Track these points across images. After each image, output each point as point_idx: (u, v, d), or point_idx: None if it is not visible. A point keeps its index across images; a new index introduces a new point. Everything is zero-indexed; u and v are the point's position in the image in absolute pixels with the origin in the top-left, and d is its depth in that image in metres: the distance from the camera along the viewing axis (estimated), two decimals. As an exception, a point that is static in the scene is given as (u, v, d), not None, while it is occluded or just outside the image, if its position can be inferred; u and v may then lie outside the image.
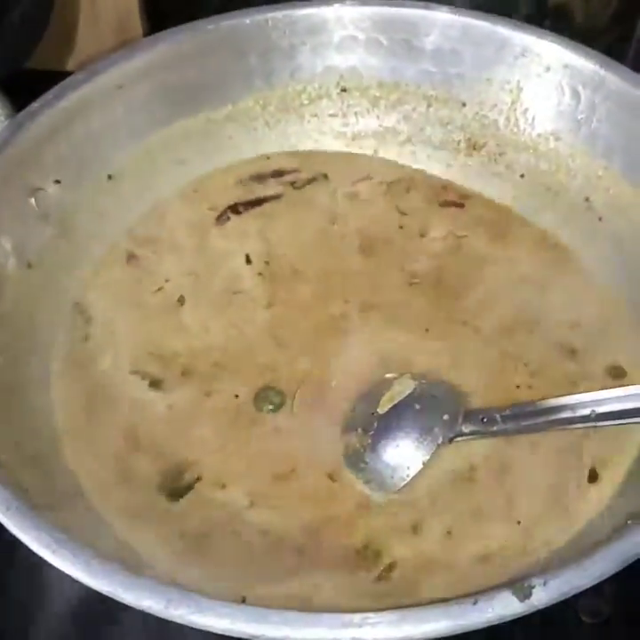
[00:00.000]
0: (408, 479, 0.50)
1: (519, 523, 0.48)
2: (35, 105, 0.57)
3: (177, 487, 0.49)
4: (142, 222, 0.63)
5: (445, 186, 0.65)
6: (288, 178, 0.66)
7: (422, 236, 0.63)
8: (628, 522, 0.40)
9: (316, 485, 0.50)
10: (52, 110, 0.57)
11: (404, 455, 0.50)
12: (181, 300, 0.59)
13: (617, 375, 0.55)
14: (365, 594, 0.45)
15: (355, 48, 0.66)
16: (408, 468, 0.50)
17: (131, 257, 0.61)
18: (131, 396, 0.54)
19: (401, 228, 0.63)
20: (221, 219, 0.64)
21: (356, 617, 0.36)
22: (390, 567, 0.47)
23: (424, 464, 0.50)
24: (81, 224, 0.60)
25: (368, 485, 0.50)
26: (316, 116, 0.68)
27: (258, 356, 0.55)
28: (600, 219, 0.62)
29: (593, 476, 0.50)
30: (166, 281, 0.60)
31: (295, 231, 0.63)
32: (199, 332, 0.57)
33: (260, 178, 0.66)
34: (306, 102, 0.68)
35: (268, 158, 0.67)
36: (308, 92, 0.68)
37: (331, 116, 0.68)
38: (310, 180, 0.66)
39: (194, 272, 0.60)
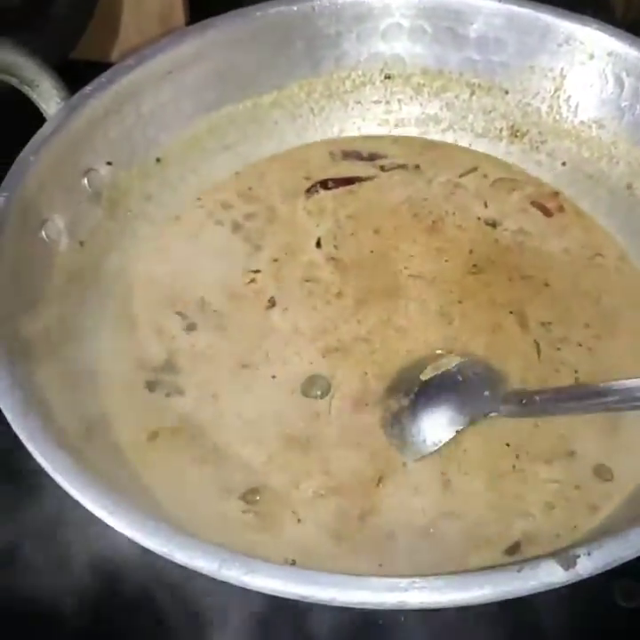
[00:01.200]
0: (439, 445, 0.51)
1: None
2: (88, 88, 0.58)
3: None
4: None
5: (555, 193, 0.65)
6: (381, 162, 0.67)
7: (494, 226, 0.63)
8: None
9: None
10: (104, 94, 0.58)
11: (439, 422, 0.51)
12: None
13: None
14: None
15: (399, 36, 0.67)
16: (441, 434, 0.51)
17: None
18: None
19: (479, 218, 0.64)
20: (311, 191, 0.66)
21: (403, 581, 0.37)
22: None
23: (457, 433, 0.51)
24: (130, 205, 0.61)
25: (398, 447, 0.51)
26: (359, 102, 0.69)
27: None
28: (643, 206, 0.62)
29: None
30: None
31: (372, 211, 0.64)
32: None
33: (354, 157, 0.68)
34: (350, 89, 0.69)
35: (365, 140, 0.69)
36: (353, 79, 0.68)
37: (374, 102, 0.69)
38: (401, 167, 0.67)
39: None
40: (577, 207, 0.64)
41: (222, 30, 0.63)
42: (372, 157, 0.68)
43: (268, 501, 0.49)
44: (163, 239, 0.62)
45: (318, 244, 0.62)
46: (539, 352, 0.56)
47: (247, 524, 0.48)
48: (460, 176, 0.66)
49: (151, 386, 0.54)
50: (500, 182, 0.66)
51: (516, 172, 0.66)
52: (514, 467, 0.50)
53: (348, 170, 0.67)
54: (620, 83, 0.62)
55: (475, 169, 0.67)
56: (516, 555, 0.46)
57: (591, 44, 0.63)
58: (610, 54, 0.62)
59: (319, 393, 0.54)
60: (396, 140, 0.69)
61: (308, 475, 0.50)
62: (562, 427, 0.52)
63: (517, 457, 0.51)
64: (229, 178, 0.66)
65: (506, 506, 0.49)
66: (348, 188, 0.66)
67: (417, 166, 0.67)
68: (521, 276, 0.60)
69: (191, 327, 0.57)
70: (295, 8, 0.65)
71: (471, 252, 0.62)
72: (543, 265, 0.61)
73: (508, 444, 0.51)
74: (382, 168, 0.67)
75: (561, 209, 0.64)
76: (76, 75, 0.60)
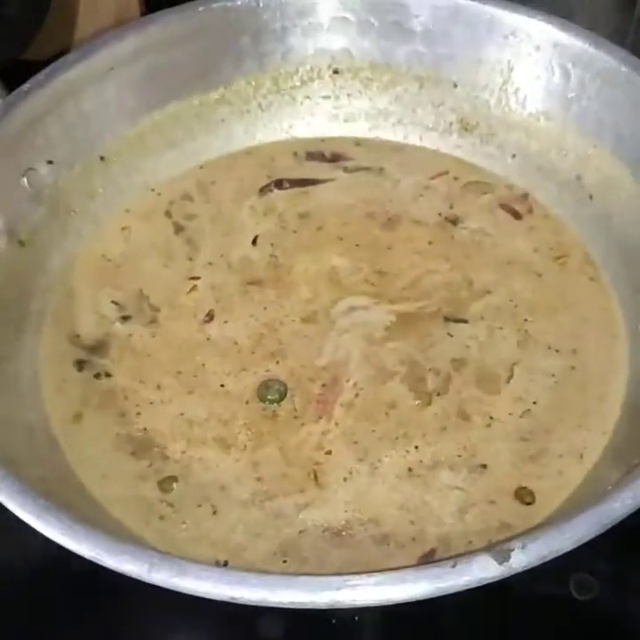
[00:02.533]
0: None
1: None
2: (26, 86, 0.57)
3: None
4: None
5: (525, 195, 0.65)
6: (345, 164, 0.67)
7: (454, 223, 0.63)
8: (609, 487, 0.40)
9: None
10: (43, 91, 0.58)
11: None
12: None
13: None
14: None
15: (346, 30, 0.67)
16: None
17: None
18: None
19: (439, 214, 0.64)
20: (265, 190, 0.65)
21: (335, 580, 0.36)
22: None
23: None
24: (73, 204, 0.61)
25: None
26: (308, 97, 0.69)
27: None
28: (591, 196, 0.62)
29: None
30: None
31: (322, 211, 0.64)
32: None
33: (318, 158, 0.67)
34: (298, 84, 0.68)
35: (323, 141, 0.68)
36: (301, 74, 0.68)
37: (323, 97, 0.69)
38: (366, 169, 0.67)
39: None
40: (546, 209, 0.64)
41: (164, 26, 0.62)
42: (335, 159, 0.67)
43: (184, 493, 0.49)
44: (106, 238, 0.61)
45: (254, 242, 0.62)
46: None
47: (163, 513, 0.48)
48: (431, 178, 0.66)
49: (80, 365, 0.55)
50: (472, 185, 0.66)
51: (488, 175, 0.66)
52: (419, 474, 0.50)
53: (310, 171, 0.67)
54: (566, 74, 0.62)
55: (446, 172, 0.66)
56: (428, 563, 0.46)
57: (537, 36, 0.62)
58: (555, 45, 0.62)
59: (276, 396, 0.53)
60: (361, 141, 0.69)
61: (236, 479, 0.50)
62: (473, 437, 0.52)
63: (421, 462, 0.50)
64: (183, 174, 0.66)
65: (418, 511, 0.49)
66: (304, 188, 0.65)
67: (382, 169, 0.67)
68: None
69: (126, 318, 0.57)
70: (239, 3, 0.64)
71: (430, 243, 0.61)
72: (494, 264, 0.60)
73: (416, 447, 0.51)
74: (345, 169, 0.67)
75: (530, 211, 0.64)
76: (31, 74, 0.59)
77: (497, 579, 0.37)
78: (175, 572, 0.37)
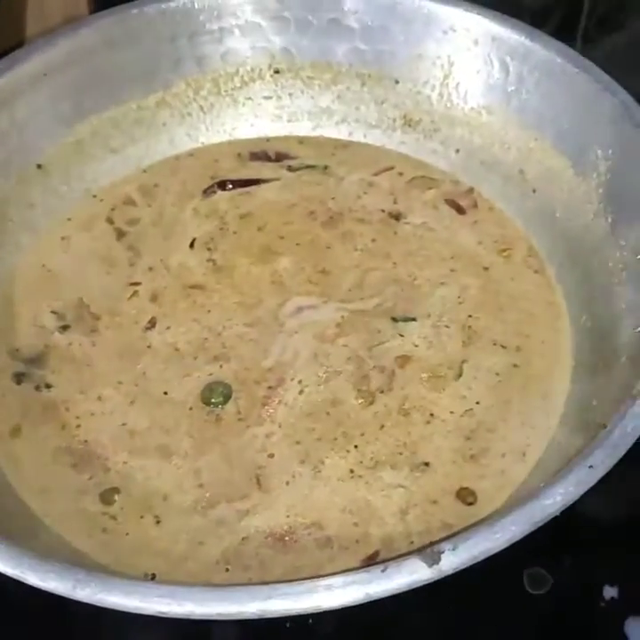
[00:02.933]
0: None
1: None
2: (-45, 95, 0.56)
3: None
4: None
5: (470, 190, 0.64)
6: (289, 163, 0.66)
7: (397, 219, 0.63)
8: (541, 485, 0.40)
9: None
10: (-28, 100, 0.57)
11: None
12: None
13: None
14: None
15: (285, 29, 0.66)
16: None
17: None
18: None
19: (382, 211, 0.63)
20: (208, 192, 0.64)
21: (263, 589, 0.36)
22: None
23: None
24: (10, 214, 0.60)
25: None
26: (250, 98, 0.68)
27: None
28: (534, 190, 0.61)
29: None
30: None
31: (264, 211, 0.63)
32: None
33: (262, 158, 0.67)
34: (239, 85, 0.67)
35: (268, 141, 0.68)
36: (241, 75, 0.67)
37: (265, 98, 0.68)
38: (310, 167, 0.66)
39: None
40: (490, 203, 0.63)
41: (97, 29, 0.61)
42: (279, 158, 0.67)
43: (126, 505, 0.49)
44: (46, 248, 0.61)
45: (191, 246, 0.61)
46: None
47: (106, 526, 0.48)
48: (375, 174, 0.65)
49: (19, 378, 0.54)
50: (417, 180, 0.65)
51: (434, 171, 0.66)
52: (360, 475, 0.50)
53: (255, 171, 0.66)
54: (505, 67, 0.62)
55: (391, 168, 0.66)
56: (371, 565, 0.45)
57: (474, 30, 0.62)
58: (493, 39, 0.62)
59: (220, 399, 0.53)
60: (305, 140, 0.68)
61: (178, 487, 0.49)
62: (414, 435, 0.51)
63: (361, 462, 0.50)
64: (126, 179, 0.65)
65: (361, 513, 0.48)
66: (247, 189, 0.65)
67: (326, 167, 0.66)
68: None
69: (65, 328, 0.57)
70: (174, 4, 0.63)
71: (373, 240, 0.61)
72: (438, 260, 0.60)
73: (356, 446, 0.51)
74: (290, 168, 0.66)
75: (474, 205, 0.63)
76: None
77: (428, 581, 0.37)
78: (100, 588, 0.36)
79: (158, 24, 0.63)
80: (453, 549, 0.37)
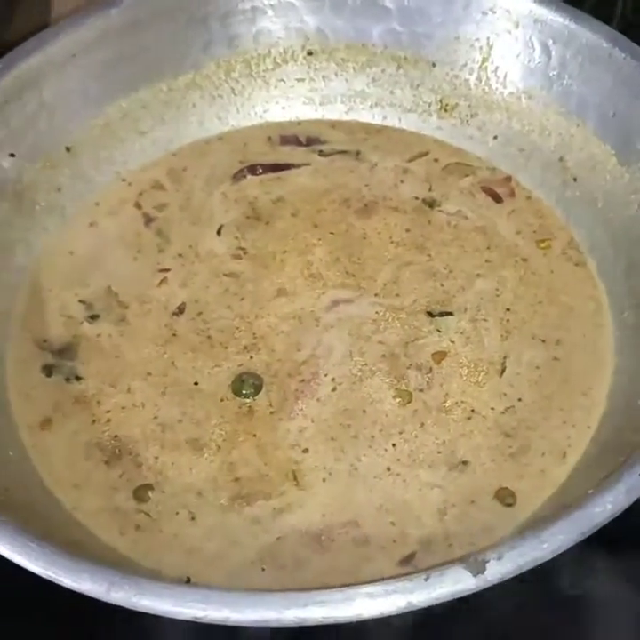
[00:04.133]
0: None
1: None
2: (-18, 77, 0.55)
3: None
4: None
5: (507, 178, 0.62)
6: (321, 147, 0.65)
7: (431, 206, 0.61)
8: (589, 491, 0.38)
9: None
10: (1, 81, 0.55)
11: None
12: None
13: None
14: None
15: (319, 9, 0.64)
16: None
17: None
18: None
19: (416, 198, 0.61)
20: (237, 176, 0.63)
21: (302, 596, 0.35)
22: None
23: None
24: (38, 198, 0.59)
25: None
26: (282, 80, 0.66)
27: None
28: (575, 179, 0.60)
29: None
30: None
31: (297, 197, 0.62)
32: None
33: (293, 142, 0.65)
34: (271, 67, 0.66)
35: (299, 125, 0.66)
36: (273, 57, 0.65)
37: (298, 80, 0.66)
38: (342, 152, 0.65)
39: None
40: (529, 192, 0.61)
41: (127, 9, 0.60)
42: (310, 143, 0.65)
43: (160, 502, 0.48)
44: (73, 233, 0.60)
45: (219, 232, 0.60)
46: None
47: (139, 523, 0.47)
48: (409, 161, 0.64)
49: (48, 370, 0.53)
50: (453, 167, 0.63)
51: (470, 157, 0.64)
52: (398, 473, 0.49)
53: (285, 156, 0.64)
54: (547, 51, 0.60)
55: (425, 154, 0.64)
56: (408, 566, 0.44)
57: (516, 12, 0.60)
58: (536, 21, 0.59)
59: (251, 390, 0.52)
60: (337, 124, 0.66)
61: (212, 482, 0.48)
62: (453, 432, 0.50)
63: (399, 460, 0.49)
64: (155, 162, 0.64)
65: (398, 512, 0.47)
66: (277, 174, 0.63)
67: (358, 152, 0.64)
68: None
69: (94, 317, 0.56)
70: (206, -17, 0.61)
71: (408, 231, 0.59)
72: (473, 251, 0.58)
73: (393, 444, 0.50)
74: (321, 153, 0.64)
75: (512, 194, 0.62)
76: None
77: (472, 591, 0.36)
78: (134, 591, 0.35)
79: (190, 4, 0.62)
80: (499, 559, 0.36)
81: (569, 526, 0.37)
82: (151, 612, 0.35)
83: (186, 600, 0.35)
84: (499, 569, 0.36)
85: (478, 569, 0.35)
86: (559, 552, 0.36)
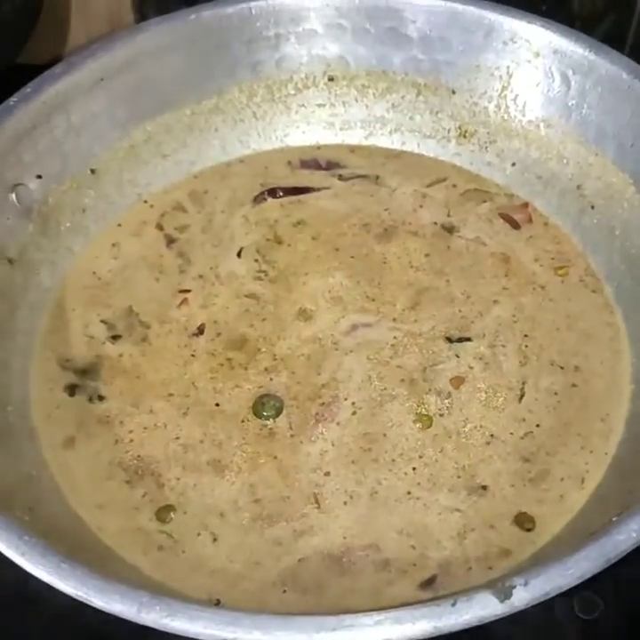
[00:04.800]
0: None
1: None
2: (12, 99, 0.56)
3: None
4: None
5: (525, 205, 0.63)
6: (340, 171, 0.66)
7: (451, 232, 0.62)
8: (614, 518, 0.39)
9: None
10: (30, 104, 0.56)
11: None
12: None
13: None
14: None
15: (341, 36, 0.65)
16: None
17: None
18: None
19: (435, 223, 0.62)
20: (258, 199, 0.64)
21: (331, 620, 0.35)
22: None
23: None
24: (63, 219, 0.59)
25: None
26: (303, 106, 0.67)
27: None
28: (592, 206, 0.60)
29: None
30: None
31: (317, 220, 0.63)
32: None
33: (313, 166, 0.66)
34: (293, 92, 0.67)
35: (318, 149, 0.67)
36: (295, 82, 0.66)
37: (318, 105, 0.67)
38: (361, 177, 0.66)
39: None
40: (546, 219, 0.62)
41: (154, 35, 0.61)
42: (330, 167, 0.66)
43: (182, 522, 0.48)
44: (96, 253, 0.60)
45: (239, 255, 0.60)
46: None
47: (162, 543, 0.47)
48: (427, 186, 0.65)
49: (71, 390, 0.54)
50: (471, 193, 0.64)
51: (488, 184, 0.65)
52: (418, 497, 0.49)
53: (305, 179, 0.65)
54: (566, 81, 0.61)
55: (443, 179, 0.65)
56: (429, 590, 0.45)
57: (536, 42, 0.61)
58: (555, 52, 0.60)
59: (272, 412, 0.52)
60: (357, 149, 0.67)
61: (233, 503, 0.49)
62: (473, 457, 0.51)
63: (419, 484, 0.49)
64: (176, 185, 0.65)
65: (418, 535, 0.47)
66: (298, 197, 0.64)
67: (377, 177, 0.65)
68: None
69: (116, 338, 0.56)
70: (231, 10, 0.62)
71: (427, 256, 0.60)
72: (491, 276, 0.59)
73: (414, 468, 0.50)
74: (340, 178, 0.65)
75: (529, 220, 0.62)
76: (24, 79, 0.58)
77: (499, 617, 0.36)
78: (165, 612, 0.36)
79: (215, 30, 0.63)
80: (525, 585, 0.36)
81: (594, 553, 0.37)
82: (181, 633, 0.36)
83: (216, 622, 0.35)
84: (525, 595, 0.36)
85: (505, 594, 0.36)
86: (585, 578, 0.37)
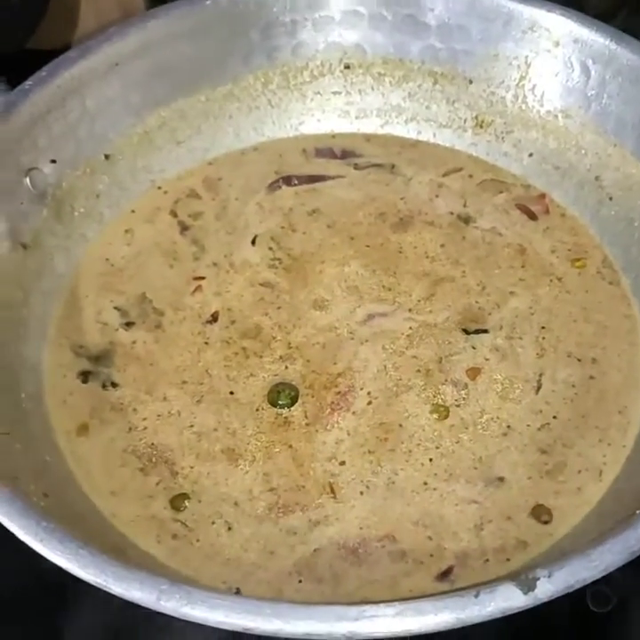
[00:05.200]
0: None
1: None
2: (28, 83, 0.55)
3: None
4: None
5: (542, 195, 0.63)
6: (356, 160, 0.65)
7: (466, 222, 0.61)
8: (637, 511, 0.38)
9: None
10: (45, 88, 0.56)
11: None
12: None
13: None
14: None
15: (358, 24, 0.64)
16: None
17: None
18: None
19: (451, 213, 0.62)
20: (273, 186, 0.63)
21: (352, 610, 0.35)
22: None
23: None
24: (77, 205, 0.59)
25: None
26: (318, 93, 0.67)
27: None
28: (610, 198, 0.60)
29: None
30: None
31: (332, 208, 0.62)
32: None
33: (328, 155, 0.66)
34: (308, 80, 0.66)
35: (333, 137, 0.67)
36: (311, 70, 0.66)
37: (334, 93, 0.67)
38: (377, 166, 0.65)
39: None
40: (563, 210, 0.62)
41: (170, 20, 0.60)
42: (345, 156, 0.66)
43: (196, 511, 0.48)
44: (110, 241, 0.60)
45: (253, 242, 0.60)
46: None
47: (176, 532, 0.47)
48: (443, 175, 0.64)
49: (85, 376, 0.53)
50: (488, 183, 0.64)
51: (505, 174, 0.64)
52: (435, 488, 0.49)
53: (320, 168, 0.65)
54: (586, 71, 0.60)
55: (459, 169, 0.64)
56: (445, 581, 0.45)
57: (556, 31, 0.60)
58: (576, 41, 0.60)
59: (288, 401, 0.52)
60: (372, 138, 0.67)
61: (248, 492, 0.49)
62: (490, 448, 0.50)
63: (436, 475, 0.49)
64: (190, 171, 0.64)
65: (435, 526, 0.47)
66: (313, 185, 0.64)
67: (393, 166, 0.65)
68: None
69: (129, 324, 0.56)
70: (247, -5, 0.62)
71: (442, 246, 0.60)
72: (507, 267, 0.59)
73: (430, 459, 0.50)
74: (356, 166, 0.65)
75: (546, 211, 0.62)
76: (35, 65, 0.57)
77: (522, 608, 0.36)
78: (185, 600, 0.35)
79: (231, 15, 0.62)
80: (549, 576, 0.36)
81: (618, 546, 0.37)
82: (201, 622, 0.35)
83: (237, 611, 0.35)
84: (549, 587, 0.36)
85: (529, 586, 0.35)
86: (609, 571, 0.36)
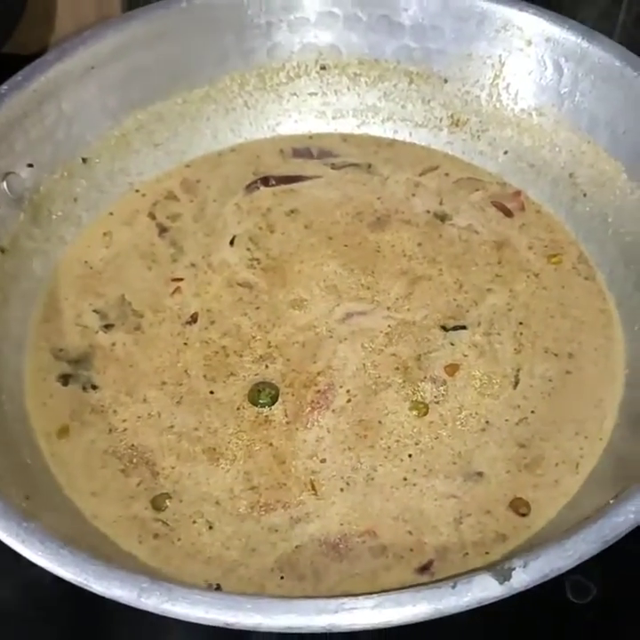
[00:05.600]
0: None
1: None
2: (3, 88, 0.55)
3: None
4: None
5: (517, 193, 0.63)
6: (332, 160, 0.66)
7: (443, 220, 0.62)
8: (610, 500, 0.39)
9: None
10: (21, 92, 0.56)
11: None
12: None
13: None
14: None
15: (333, 25, 0.65)
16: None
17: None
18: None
19: (428, 211, 0.62)
20: (251, 187, 0.64)
21: (332, 603, 0.35)
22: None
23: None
24: (55, 208, 0.59)
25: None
26: (295, 94, 0.67)
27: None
28: (584, 194, 0.61)
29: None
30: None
31: (310, 209, 0.63)
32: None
33: (305, 155, 0.66)
34: (284, 81, 0.66)
35: (310, 138, 0.67)
36: (287, 71, 0.66)
37: (310, 94, 0.67)
38: (354, 165, 0.66)
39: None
40: (538, 207, 0.62)
41: (146, 22, 0.60)
42: (322, 156, 0.66)
43: (177, 511, 0.48)
44: (88, 243, 0.60)
45: (231, 243, 0.60)
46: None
47: (157, 531, 0.47)
48: (420, 174, 0.64)
49: (65, 379, 0.53)
50: (464, 182, 0.64)
51: (480, 172, 0.65)
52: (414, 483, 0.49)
53: (297, 168, 0.65)
54: (558, 69, 0.61)
55: (436, 168, 0.65)
56: (425, 574, 0.45)
57: (529, 30, 0.61)
58: (548, 40, 0.60)
59: (268, 400, 0.52)
60: (349, 138, 0.67)
61: (229, 491, 0.49)
62: (469, 444, 0.51)
63: (415, 471, 0.50)
64: (168, 174, 0.65)
65: (415, 521, 0.47)
66: (291, 185, 0.64)
67: (370, 165, 0.65)
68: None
69: (108, 327, 0.56)
70: (222, -2, 0.62)
71: (419, 244, 0.60)
72: (484, 264, 0.59)
73: (410, 455, 0.50)
74: (333, 166, 0.65)
75: (522, 208, 0.63)
76: (11, 69, 0.57)
77: (499, 598, 0.36)
78: (165, 597, 0.35)
79: (206, 18, 0.62)
80: (524, 566, 0.36)
81: (593, 535, 0.37)
82: (182, 618, 0.36)
83: (217, 606, 0.35)
84: (524, 577, 0.36)
85: (505, 576, 0.36)
86: (583, 560, 0.37)
